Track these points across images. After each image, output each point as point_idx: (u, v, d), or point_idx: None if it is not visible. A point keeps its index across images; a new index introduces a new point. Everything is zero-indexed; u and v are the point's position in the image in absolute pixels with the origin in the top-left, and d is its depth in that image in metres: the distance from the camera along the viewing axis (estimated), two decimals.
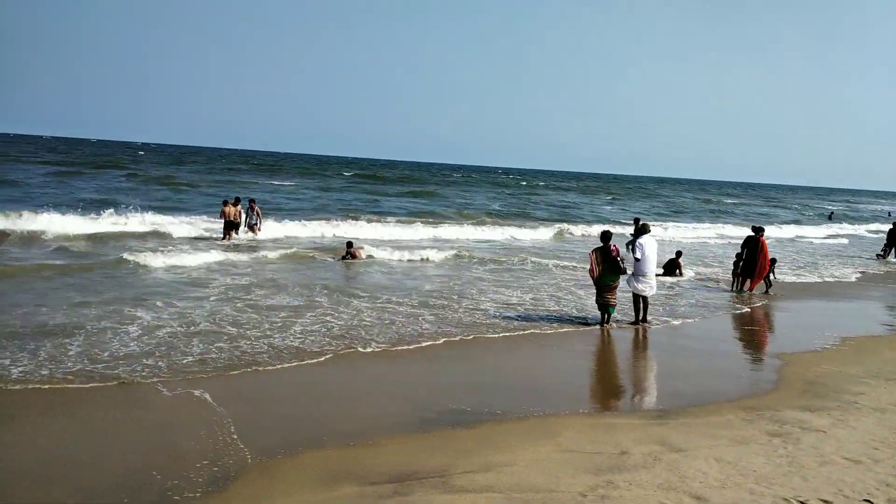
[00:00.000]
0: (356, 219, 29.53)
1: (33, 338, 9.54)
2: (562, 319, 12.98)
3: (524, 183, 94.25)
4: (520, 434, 7.11)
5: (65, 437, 6.61)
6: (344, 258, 18.79)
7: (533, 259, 21.44)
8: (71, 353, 8.99)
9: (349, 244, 19.46)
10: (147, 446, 6.45)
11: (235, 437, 6.70)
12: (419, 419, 7.51)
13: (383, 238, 24.96)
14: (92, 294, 12.63)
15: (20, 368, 8.30)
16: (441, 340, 10.93)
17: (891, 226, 27.84)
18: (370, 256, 19.72)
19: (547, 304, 14.42)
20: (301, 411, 7.65)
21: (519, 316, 13.01)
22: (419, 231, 27.75)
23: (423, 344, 10.68)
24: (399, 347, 10.45)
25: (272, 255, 18.97)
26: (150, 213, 24.69)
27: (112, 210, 23.85)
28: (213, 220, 24.56)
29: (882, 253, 27.19)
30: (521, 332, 11.81)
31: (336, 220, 28.77)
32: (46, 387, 7.84)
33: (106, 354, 9.05)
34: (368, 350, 10.18)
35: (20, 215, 21.23)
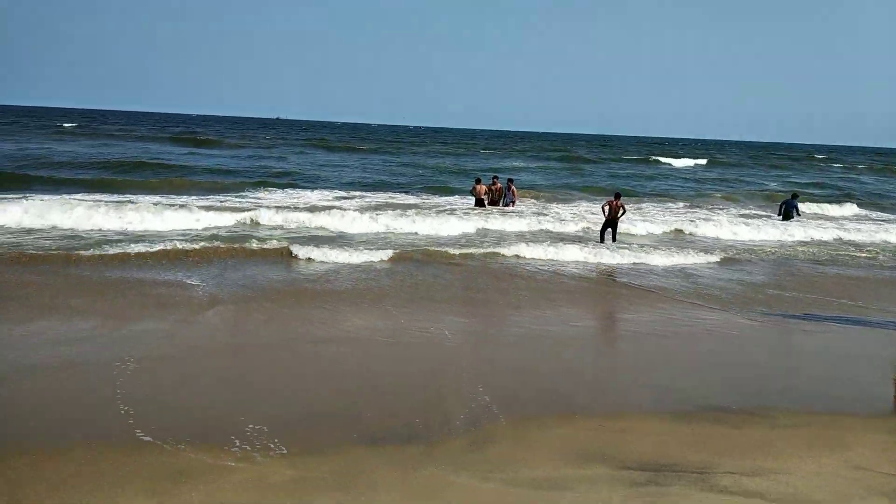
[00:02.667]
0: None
1: None
2: None
3: None
4: (798, 441, 6.33)
5: (346, 379, 7.50)
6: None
7: None
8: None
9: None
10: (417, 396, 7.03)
11: (487, 398, 6.98)
12: (675, 409, 7.09)
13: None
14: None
15: None
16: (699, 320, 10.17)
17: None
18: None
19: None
20: (550, 384, 7.69)
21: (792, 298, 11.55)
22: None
23: (680, 326, 10.05)
24: (658, 328, 9.97)
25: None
26: None
27: None
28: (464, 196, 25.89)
29: None
30: (792, 319, 10.49)
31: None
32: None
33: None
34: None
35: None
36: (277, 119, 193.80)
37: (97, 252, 13.14)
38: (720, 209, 27.15)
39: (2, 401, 6.54)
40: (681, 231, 20.84)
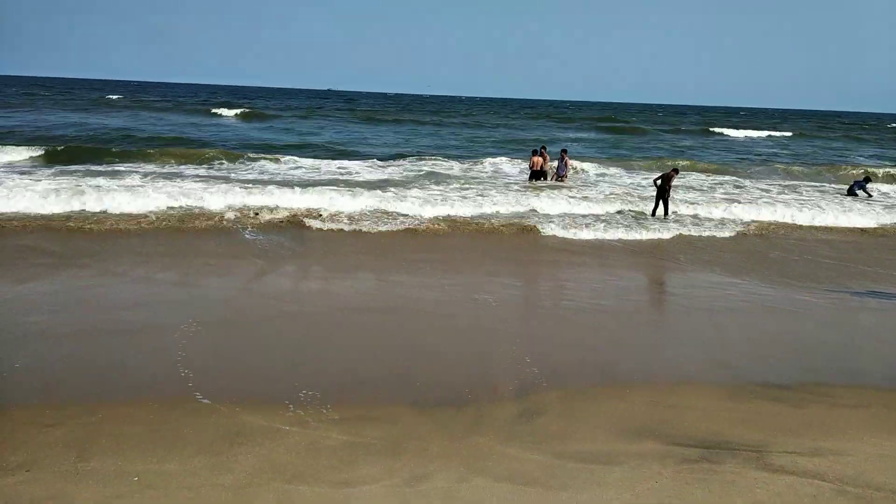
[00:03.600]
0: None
1: None
2: None
3: None
4: (859, 422, 6.11)
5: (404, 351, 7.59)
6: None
7: None
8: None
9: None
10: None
11: (536, 370, 6.96)
12: (731, 385, 6.92)
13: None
14: None
15: None
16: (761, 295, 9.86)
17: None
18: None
19: None
20: (600, 357, 7.60)
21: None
22: None
23: (737, 301, 9.77)
24: (714, 304, 9.73)
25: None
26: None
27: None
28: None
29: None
30: (857, 296, 10.05)
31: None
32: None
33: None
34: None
35: None
36: (329, 90, 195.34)
37: (162, 224, 13.56)
38: (785, 184, 26.11)
39: (73, 361, 6.86)
40: (734, 202, 20.17)
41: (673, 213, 17.14)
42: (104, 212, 14.21)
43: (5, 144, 23.49)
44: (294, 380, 6.57)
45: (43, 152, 22.62)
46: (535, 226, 15.02)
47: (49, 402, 5.92)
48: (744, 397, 6.63)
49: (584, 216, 16.35)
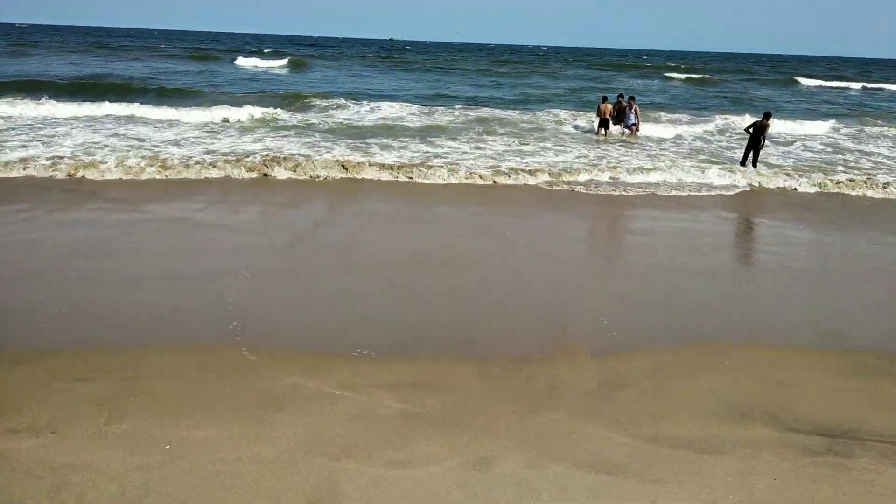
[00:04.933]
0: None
1: None
2: None
3: None
4: None
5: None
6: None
7: None
8: None
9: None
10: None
11: (616, 335, 6.12)
12: (848, 359, 5.90)
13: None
14: None
15: None
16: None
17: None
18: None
19: None
20: (689, 322, 6.66)
21: None
22: None
23: (843, 261, 8.56)
24: (815, 265, 8.57)
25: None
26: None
27: None
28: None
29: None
30: None
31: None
32: None
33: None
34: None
35: None
36: (391, 40, 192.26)
37: (220, 173, 13.15)
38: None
39: (118, 308, 6.43)
40: (840, 151, 18.33)
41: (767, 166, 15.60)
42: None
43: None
44: (348, 337, 5.94)
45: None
46: (601, 178, 13.90)
47: (88, 351, 5.48)
48: (866, 374, 5.61)
49: (655, 167, 15.07)
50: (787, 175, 14.55)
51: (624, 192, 12.76)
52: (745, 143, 16.03)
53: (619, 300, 7.18)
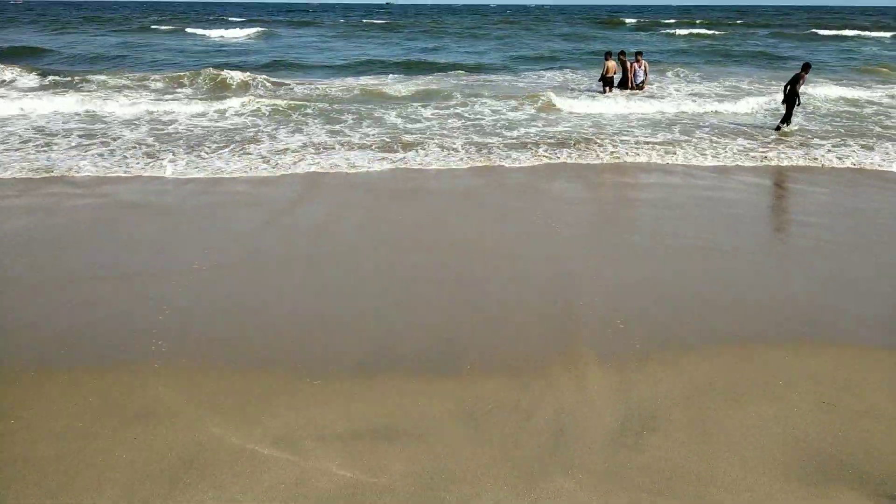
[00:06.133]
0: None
1: None
2: None
3: None
4: None
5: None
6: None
7: None
8: None
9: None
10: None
11: (637, 344, 4.80)
12: None
13: None
14: None
15: None
16: None
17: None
18: None
19: None
20: (730, 321, 5.33)
21: None
22: None
23: None
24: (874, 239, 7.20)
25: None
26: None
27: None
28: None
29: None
30: None
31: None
32: None
33: None
34: None
35: None
36: (388, 4, 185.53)
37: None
38: None
39: (23, 319, 5.15)
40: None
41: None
42: None
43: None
44: (300, 357, 4.66)
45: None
46: (611, 141, 12.42)
47: None
48: None
49: (672, 126, 13.53)
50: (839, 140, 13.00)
51: (639, 162, 11.29)
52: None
53: (636, 292, 5.85)
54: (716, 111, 15.58)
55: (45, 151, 10.83)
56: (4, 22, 47.35)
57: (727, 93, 18.61)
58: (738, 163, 10.97)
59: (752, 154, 11.49)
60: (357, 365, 4.63)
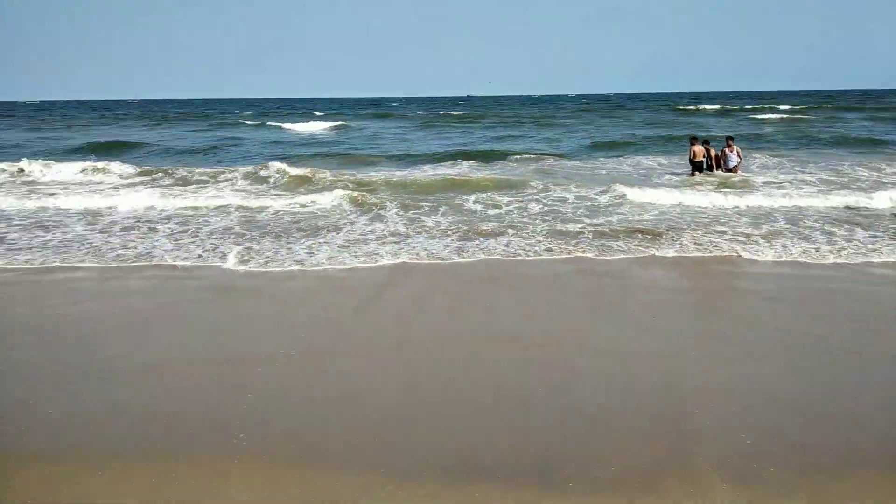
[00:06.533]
0: None
1: None
2: None
3: None
4: None
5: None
6: None
7: None
8: None
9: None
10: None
11: (771, 468, 4.10)
12: None
13: None
14: None
15: None
16: None
17: None
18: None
19: None
20: (868, 432, 4.53)
21: None
22: None
23: None
24: None
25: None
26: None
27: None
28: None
29: None
30: None
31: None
32: None
33: None
34: None
35: None
36: (468, 96, 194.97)
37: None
38: None
39: (117, 406, 5.01)
40: None
41: None
42: None
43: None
44: (375, 460, 4.24)
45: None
46: (704, 231, 11.75)
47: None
48: None
49: (780, 216, 12.68)
50: None
51: (734, 259, 10.55)
52: None
53: (759, 400, 5.14)
54: (827, 203, 14.27)
55: (146, 238, 11.29)
56: (119, 117, 51.86)
57: (832, 178, 17.60)
58: (865, 257, 9.85)
59: (872, 245, 10.42)
60: (441, 470, 4.17)
